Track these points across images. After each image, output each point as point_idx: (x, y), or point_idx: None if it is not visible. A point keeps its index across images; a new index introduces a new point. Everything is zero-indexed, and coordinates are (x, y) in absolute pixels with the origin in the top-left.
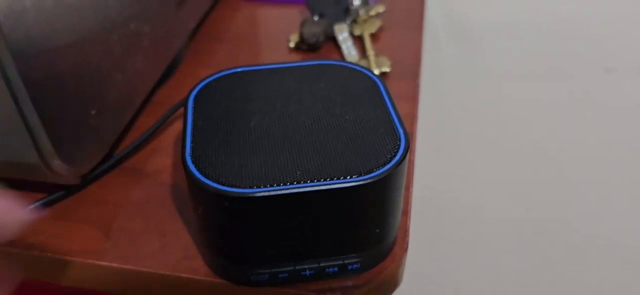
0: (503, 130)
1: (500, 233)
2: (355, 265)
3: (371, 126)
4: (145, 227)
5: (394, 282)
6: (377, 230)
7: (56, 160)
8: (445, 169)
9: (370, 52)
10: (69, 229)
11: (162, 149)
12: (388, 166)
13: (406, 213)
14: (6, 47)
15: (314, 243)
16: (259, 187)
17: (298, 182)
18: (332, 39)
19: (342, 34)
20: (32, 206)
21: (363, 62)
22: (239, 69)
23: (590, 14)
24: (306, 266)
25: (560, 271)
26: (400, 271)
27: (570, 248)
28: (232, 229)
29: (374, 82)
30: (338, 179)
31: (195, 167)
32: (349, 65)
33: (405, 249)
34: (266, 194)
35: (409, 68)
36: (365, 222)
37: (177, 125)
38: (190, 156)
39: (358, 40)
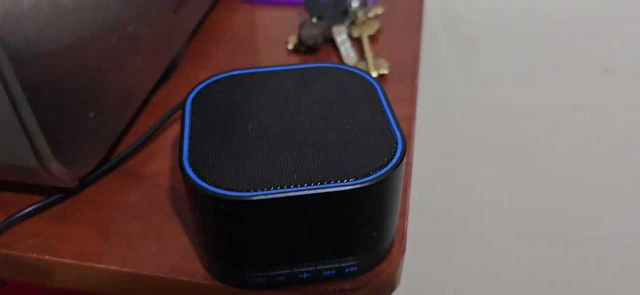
0: (502, 132)
1: (500, 234)
2: (352, 268)
3: (369, 129)
4: (143, 229)
5: (391, 285)
6: (375, 233)
7: (54, 163)
8: (444, 170)
9: (369, 53)
10: (67, 232)
11: (160, 151)
12: (385, 169)
13: (404, 215)
14: (3, 50)
15: (311, 246)
16: (256, 190)
17: (295, 186)
18: (331, 41)
19: (341, 35)
20: (30, 209)
21: (361, 64)
22: (237, 72)
23: (590, 14)
24: (303, 269)
25: (560, 271)
26: (398, 273)
27: (570, 248)
28: (229, 232)
29: (372, 85)
30: (335, 182)
31: (193, 170)
32: (347, 68)
33: (403, 251)
34: (263, 197)
35: (408, 70)
36: (363, 225)
37: (175, 128)
38: (188, 160)
39: (356, 42)
